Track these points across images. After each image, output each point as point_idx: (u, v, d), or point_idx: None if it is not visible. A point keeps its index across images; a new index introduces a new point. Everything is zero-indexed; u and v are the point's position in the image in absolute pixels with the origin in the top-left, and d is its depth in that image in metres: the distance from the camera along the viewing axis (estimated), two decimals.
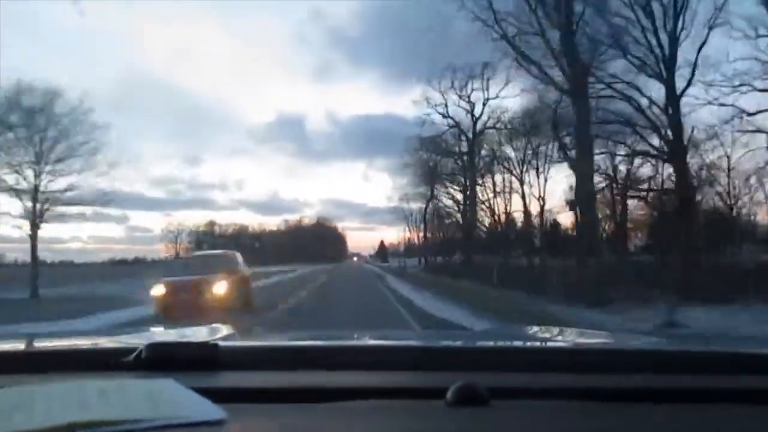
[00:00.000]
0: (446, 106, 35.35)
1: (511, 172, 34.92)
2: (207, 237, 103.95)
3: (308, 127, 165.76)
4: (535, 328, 1.83)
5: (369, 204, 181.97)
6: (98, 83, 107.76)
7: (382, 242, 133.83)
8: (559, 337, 1.52)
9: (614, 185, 26.82)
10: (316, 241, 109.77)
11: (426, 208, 47.23)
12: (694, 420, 0.74)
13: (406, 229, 66.02)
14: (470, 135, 35.73)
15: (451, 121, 36.09)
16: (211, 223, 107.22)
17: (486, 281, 23.31)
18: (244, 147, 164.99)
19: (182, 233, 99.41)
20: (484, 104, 34.62)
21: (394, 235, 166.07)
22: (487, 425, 0.70)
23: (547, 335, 1.60)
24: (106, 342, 1.29)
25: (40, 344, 1.32)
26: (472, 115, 35.25)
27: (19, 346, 1.25)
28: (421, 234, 55.45)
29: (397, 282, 29.35)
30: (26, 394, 0.69)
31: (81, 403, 0.66)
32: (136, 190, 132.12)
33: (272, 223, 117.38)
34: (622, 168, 26.54)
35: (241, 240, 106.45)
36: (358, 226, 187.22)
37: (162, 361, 0.94)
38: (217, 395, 0.72)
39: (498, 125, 34.61)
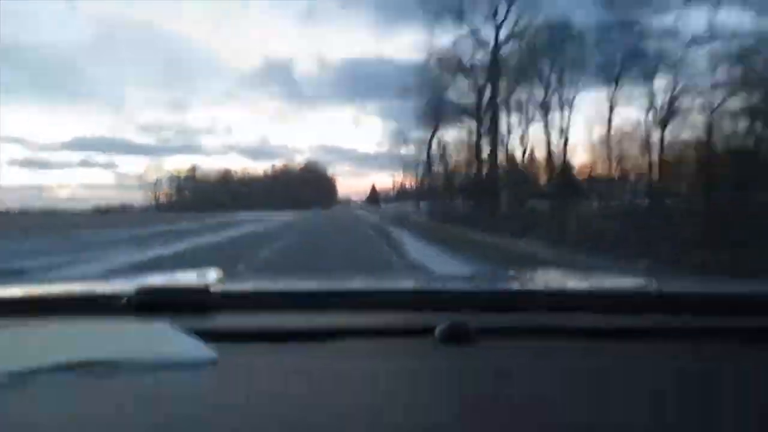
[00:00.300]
0: (462, 9, 26.54)
1: (523, 107, 28.54)
2: (188, 182, 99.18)
3: (297, 71, 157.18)
4: (524, 269, 1.91)
5: (360, 149, 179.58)
6: (82, 28, 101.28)
7: (373, 186, 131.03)
8: (547, 278, 1.57)
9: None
10: (304, 186, 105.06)
11: (430, 142, 39.00)
12: (683, 357, 0.76)
13: (401, 172, 60.44)
14: (491, 46, 26.90)
15: (467, 28, 27.12)
16: (193, 168, 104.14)
17: (509, 231, 16.54)
18: (232, 92, 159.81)
19: (162, 179, 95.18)
20: (508, 8, 26.22)
21: (387, 180, 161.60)
22: (475, 362, 0.72)
23: (535, 276, 1.61)
24: (99, 286, 1.29)
25: (33, 288, 1.28)
26: (494, 19, 26.45)
27: (11, 290, 1.20)
28: (420, 175, 49.65)
29: (408, 238, 17.23)
30: (23, 336, 0.72)
31: (76, 344, 0.68)
32: (124, 136, 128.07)
33: (261, 168, 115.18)
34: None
35: (227, 186, 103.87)
36: (349, 171, 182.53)
37: (154, 304, 0.95)
38: (209, 337, 0.74)
39: (527, 33, 26.48)
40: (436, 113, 33.61)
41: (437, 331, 0.78)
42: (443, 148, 39.07)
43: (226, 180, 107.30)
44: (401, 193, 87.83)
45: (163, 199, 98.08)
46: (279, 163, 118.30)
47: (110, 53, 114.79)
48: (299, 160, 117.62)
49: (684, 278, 2.29)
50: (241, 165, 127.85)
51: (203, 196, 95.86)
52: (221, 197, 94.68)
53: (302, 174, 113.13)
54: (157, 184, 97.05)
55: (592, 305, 0.99)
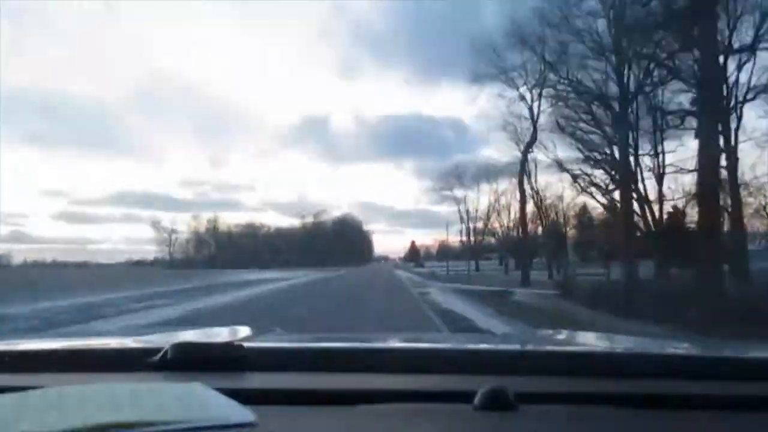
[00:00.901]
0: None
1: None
2: (210, 236, 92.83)
3: (334, 127, 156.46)
4: (563, 332, 1.70)
5: (397, 207, 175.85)
6: (122, 87, 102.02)
7: (413, 243, 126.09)
8: (587, 341, 1.47)
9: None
10: (338, 242, 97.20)
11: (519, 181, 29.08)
12: (724, 428, 0.74)
13: (442, 230, 56.34)
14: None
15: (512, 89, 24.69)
16: (215, 220, 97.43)
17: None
18: (269, 148, 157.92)
19: (179, 233, 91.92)
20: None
21: (424, 238, 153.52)
22: (515, 430, 0.71)
23: (574, 339, 1.51)
24: (132, 342, 1.29)
25: (69, 343, 1.31)
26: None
27: (49, 345, 1.24)
28: (467, 233, 48.70)
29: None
30: (60, 395, 0.71)
31: (113, 404, 0.68)
32: (165, 191, 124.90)
33: (294, 223, 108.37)
34: None
35: (254, 240, 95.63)
36: (385, 229, 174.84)
37: (188, 361, 0.95)
38: (243, 396, 0.73)
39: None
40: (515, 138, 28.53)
41: (477, 398, 0.76)
42: (495, 204, 38.14)
43: (253, 234, 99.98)
44: (442, 252, 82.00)
45: (179, 253, 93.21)
46: (312, 218, 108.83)
47: (152, 108, 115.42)
48: (335, 216, 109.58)
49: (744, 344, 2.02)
50: (276, 221, 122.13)
51: (226, 251, 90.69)
52: (246, 252, 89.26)
53: (336, 228, 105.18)
54: (171, 237, 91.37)
55: (637, 371, 0.96)
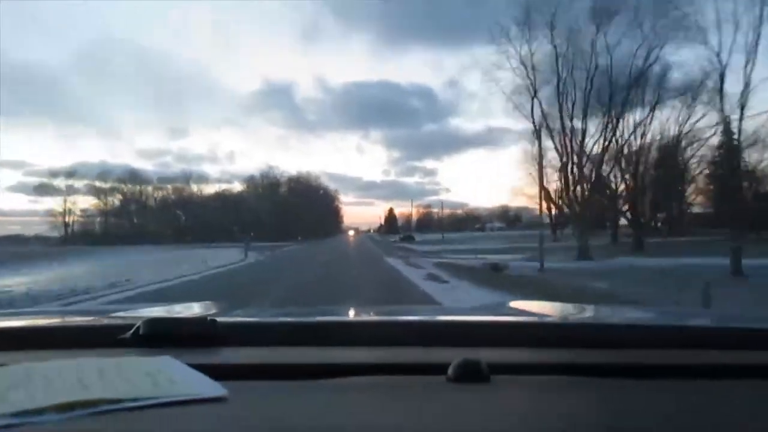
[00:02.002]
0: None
1: None
2: (129, 207, 78.88)
3: (299, 96, 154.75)
4: (537, 303, 1.72)
5: (365, 178, 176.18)
6: (78, 52, 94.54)
7: (390, 210, 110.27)
8: (561, 312, 1.48)
9: None
10: (295, 208, 76.87)
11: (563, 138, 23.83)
12: (697, 395, 0.74)
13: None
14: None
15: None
16: (136, 192, 78.53)
17: None
18: (231, 117, 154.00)
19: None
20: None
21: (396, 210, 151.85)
22: (488, 401, 0.70)
23: (548, 310, 1.52)
24: (103, 318, 1.26)
25: (37, 321, 1.31)
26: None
27: (16, 322, 1.23)
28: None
29: None
30: (25, 373, 0.70)
31: (80, 381, 0.67)
32: (124, 161, 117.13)
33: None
34: None
35: (180, 209, 77.26)
36: (354, 200, 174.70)
37: (159, 337, 0.94)
38: (215, 372, 0.73)
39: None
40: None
41: (450, 369, 0.77)
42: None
43: (180, 201, 78.83)
44: (423, 223, 76.55)
45: (82, 226, 76.79)
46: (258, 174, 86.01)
47: (106, 76, 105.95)
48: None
49: (709, 313, 2.10)
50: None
51: (147, 224, 75.33)
52: (170, 225, 73.30)
53: (292, 191, 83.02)
54: (66, 205, 74.79)
55: (610, 341, 0.97)
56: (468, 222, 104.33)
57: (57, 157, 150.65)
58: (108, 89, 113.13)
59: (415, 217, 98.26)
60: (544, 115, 23.82)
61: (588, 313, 1.55)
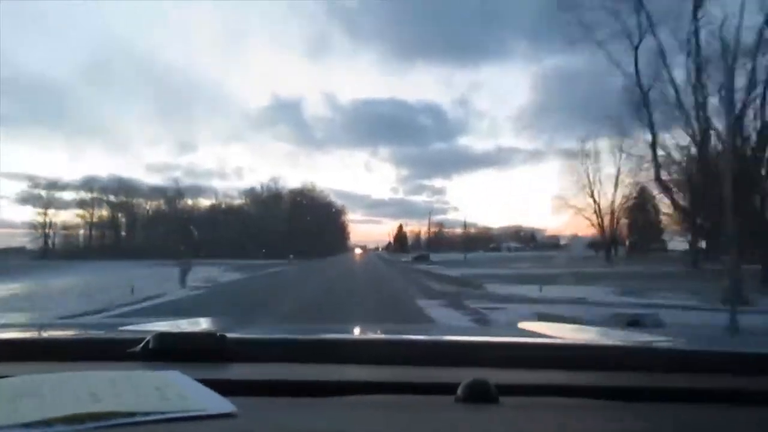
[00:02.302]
0: None
1: None
2: (119, 217, 74.26)
3: (307, 112, 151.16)
4: (546, 324, 1.74)
5: (373, 196, 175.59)
6: (86, 64, 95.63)
7: (400, 227, 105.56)
8: (570, 334, 1.47)
9: None
10: (299, 224, 70.82)
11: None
12: (708, 420, 0.74)
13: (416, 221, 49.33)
14: None
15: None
16: (124, 204, 73.83)
17: None
18: (240, 133, 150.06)
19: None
20: None
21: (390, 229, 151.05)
22: (496, 422, 0.70)
23: (557, 332, 1.49)
24: (113, 332, 1.28)
25: (48, 333, 1.31)
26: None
27: (28, 334, 1.24)
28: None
29: None
30: (36, 384, 0.70)
31: (90, 393, 0.67)
32: (133, 176, 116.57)
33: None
34: None
35: (175, 224, 64.72)
36: (361, 218, 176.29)
37: (169, 351, 0.95)
38: (224, 387, 0.73)
39: None
40: None
41: (459, 390, 0.77)
42: None
43: (176, 215, 70.96)
44: (435, 242, 72.71)
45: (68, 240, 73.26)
46: (261, 188, 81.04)
47: (115, 89, 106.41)
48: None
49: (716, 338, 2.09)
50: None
51: (136, 237, 71.46)
52: (158, 239, 65.51)
53: (295, 205, 76.80)
54: (47, 217, 71.24)
55: (619, 364, 0.97)
56: (480, 242, 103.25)
57: (64, 170, 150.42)
58: (117, 103, 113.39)
59: (424, 236, 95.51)
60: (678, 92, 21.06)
61: (597, 335, 1.55)
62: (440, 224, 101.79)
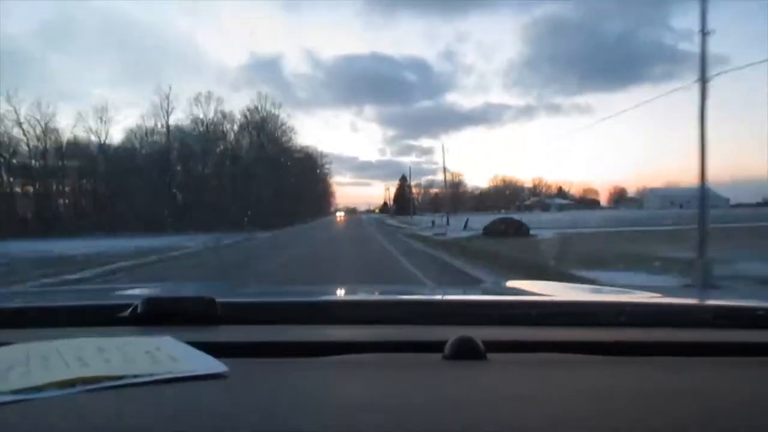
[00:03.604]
0: None
1: None
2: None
3: (287, 71, 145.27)
4: (532, 282, 1.69)
5: (361, 157, 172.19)
6: (49, 22, 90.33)
7: (401, 184, 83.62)
8: (556, 292, 1.48)
9: None
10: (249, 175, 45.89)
11: None
12: (692, 372, 0.74)
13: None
14: None
15: None
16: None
17: None
18: (216, 93, 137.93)
19: None
20: None
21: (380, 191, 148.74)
22: (484, 378, 0.71)
23: (546, 290, 1.50)
24: (101, 297, 1.27)
25: (37, 300, 1.31)
26: None
27: (16, 301, 1.23)
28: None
29: None
30: (25, 352, 0.70)
31: (80, 359, 0.67)
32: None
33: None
34: None
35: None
36: (350, 181, 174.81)
37: (159, 315, 0.95)
38: (215, 349, 0.73)
39: None
40: None
41: (447, 347, 0.78)
42: None
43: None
44: (435, 201, 66.18)
45: None
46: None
47: (82, 47, 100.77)
48: None
49: (712, 292, 2.22)
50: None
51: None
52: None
53: (252, 145, 50.68)
54: None
55: (605, 319, 0.99)
56: (469, 202, 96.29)
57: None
58: (84, 62, 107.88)
59: (417, 196, 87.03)
60: None
61: (584, 292, 1.56)
62: (430, 185, 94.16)
